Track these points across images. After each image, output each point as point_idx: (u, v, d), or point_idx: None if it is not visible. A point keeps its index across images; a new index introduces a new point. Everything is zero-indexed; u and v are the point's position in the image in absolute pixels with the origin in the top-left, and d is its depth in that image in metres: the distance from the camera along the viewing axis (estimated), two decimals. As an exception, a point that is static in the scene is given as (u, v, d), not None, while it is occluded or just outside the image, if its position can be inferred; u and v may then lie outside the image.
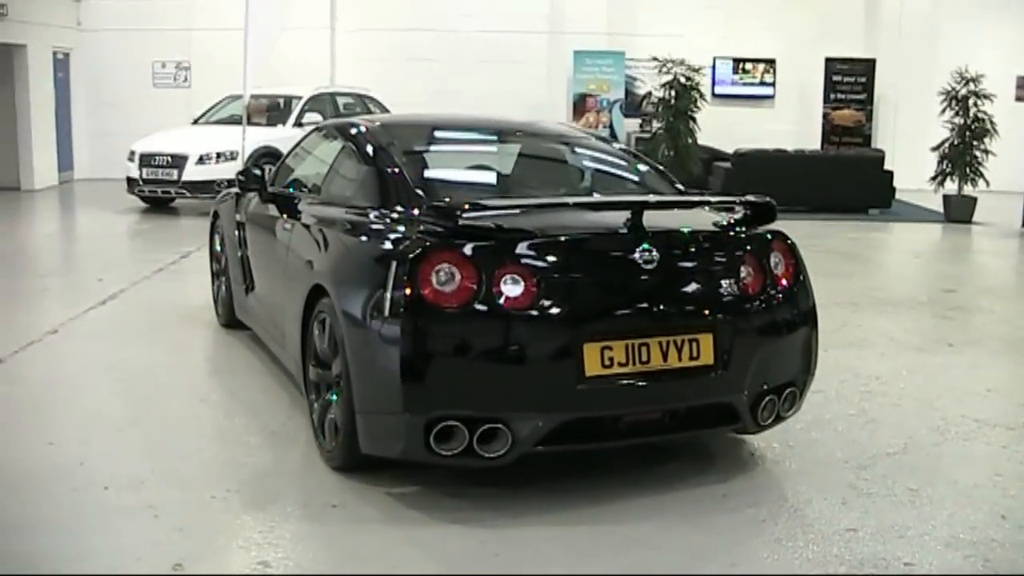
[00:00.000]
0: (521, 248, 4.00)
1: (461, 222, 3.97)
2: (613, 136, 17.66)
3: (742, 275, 4.31)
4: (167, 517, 4.06)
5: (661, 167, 5.30)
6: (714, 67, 17.85)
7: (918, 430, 5.23)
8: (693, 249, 4.33)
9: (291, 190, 5.81)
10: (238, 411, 5.45)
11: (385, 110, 16.57)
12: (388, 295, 3.94)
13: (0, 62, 15.68)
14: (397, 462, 4.26)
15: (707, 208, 4.73)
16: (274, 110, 15.28)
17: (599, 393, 3.98)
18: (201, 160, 13.49)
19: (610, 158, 5.40)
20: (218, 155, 13.57)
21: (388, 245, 4.17)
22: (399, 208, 4.46)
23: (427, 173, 4.89)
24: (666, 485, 4.43)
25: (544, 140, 5.53)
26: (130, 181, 13.80)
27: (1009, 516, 4.17)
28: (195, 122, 15.09)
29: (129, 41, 17.93)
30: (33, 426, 5.17)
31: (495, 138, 5.55)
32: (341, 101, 16.22)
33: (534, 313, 3.92)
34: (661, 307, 4.11)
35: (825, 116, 17.82)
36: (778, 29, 17.91)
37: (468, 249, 3.95)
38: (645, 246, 4.07)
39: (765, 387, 4.33)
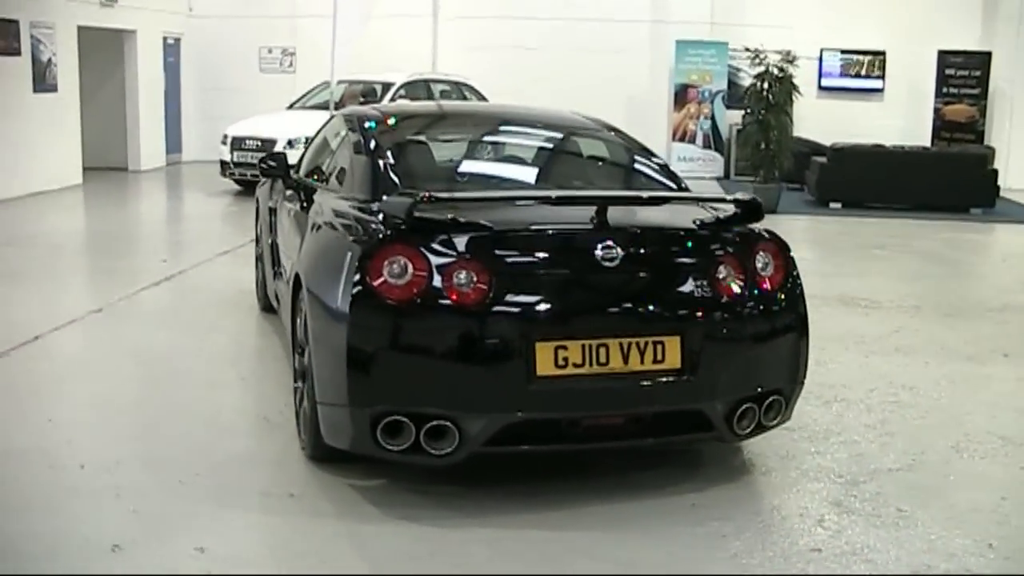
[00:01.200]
0: (475, 242, 3.89)
1: (417, 214, 3.89)
2: (715, 127, 17.30)
3: (720, 276, 4.09)
4: (127, 499, 4.11)
5: (664, 164, 5.07)
6: (821, 59, 17.25)
7: (934, 446, 4.92)
8: (662, 248, 4.15)
9: (312, 178, 5.82)
10: (242, 397, 5.50)
11: (482, 98, 16.57)
12: (341, 286, 3.90)
13: (111, 47, 16.22)
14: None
15: (700, 205, 4.51)
16: (369, 96, 15.40)
17: (552, 394, 3.84)
18: (290, 144, 13.69)
19: (611, 152, 5.23)
20: (306, 139, 13.73)
21: (350, 237, 4.12)
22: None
23: (413, 164, 4.82)
24: (638, 492, 4.27)
25: (547, 132, 5.38)
26: (223, 164, 14.15)
27: (998, 545, 3.87)
28: (290, 107, 15.36)
29: (237, 27, 18.33)
30: (41, 403, 5.32)
31: (495, 129, 5.43)
32: (437, 88, 16.28)
33: (485, 309, 3.81)
34: (623, 307, 3.95)
35: (936, 111, 17.01)
36: (888, 20, 17.16)
37: (421, 242, 3.86)
38: (607, 243, 3.91)
39: (743, 395, 4.12)
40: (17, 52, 13.22)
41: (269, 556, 3.71)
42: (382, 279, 3.82)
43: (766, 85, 12.89)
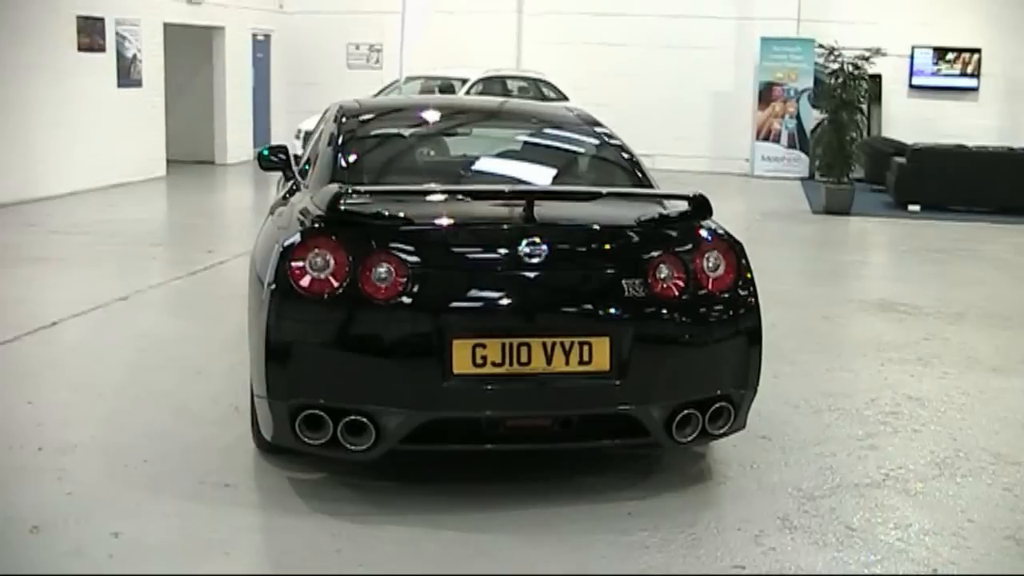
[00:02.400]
0: (394, 236, 3.82)
1: (341, 207, 3.84)
2: (800, 127, 16.82)
3: (660, 275, 3.92)
4: (67, 482, 4.18)
5: (634, 160, 4.89)
6: (912, 56, 16.58)
7: (917, 461, 4.65)
8: (593, 245, 4.00)
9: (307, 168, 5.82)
10: (223, 386, 5.52)
11: (562, 95, 16.47)
12: (266, 278, 3.88)
13: (200, 43, 16.63)
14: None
15: (650, 202, 4.34)
16: (446, 91, 15.44)
17: (468, 392, 3.75)
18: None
19: (583, 150, 5.08)
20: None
21: (280, 229, 4.10)
22: None
23: (375, 158, 4.79)
24: (578, 497, 4.14)
25: (523, 128, 5.27)
26: (295, 158, 14.30)
27: (943, 572, 3.62)
28: (366, 103, 15.47)
29: (327, 23, 18.62)
30: (29, 386, 5.47)
31: (470, 124, 5.35)
32: (514, 84, 16.25)
33: (401, 304, 3.74)
34: (546, 306, 3.83)
35: (1036, 111, 16.22)
36: (984, 16, 16.39)
37: (341, 236, 3.81)
38: (532, 239, 3.79)
39: (683, 401, 3.94)
40: (102, 48, 13.66)
41: (176, 544, 3.71)
42: (302, 272, 3.78)
43: (839, 82, 12.42)
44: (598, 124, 5.18)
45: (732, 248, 4.11)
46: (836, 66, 12.50)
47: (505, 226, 3.90)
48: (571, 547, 3.72)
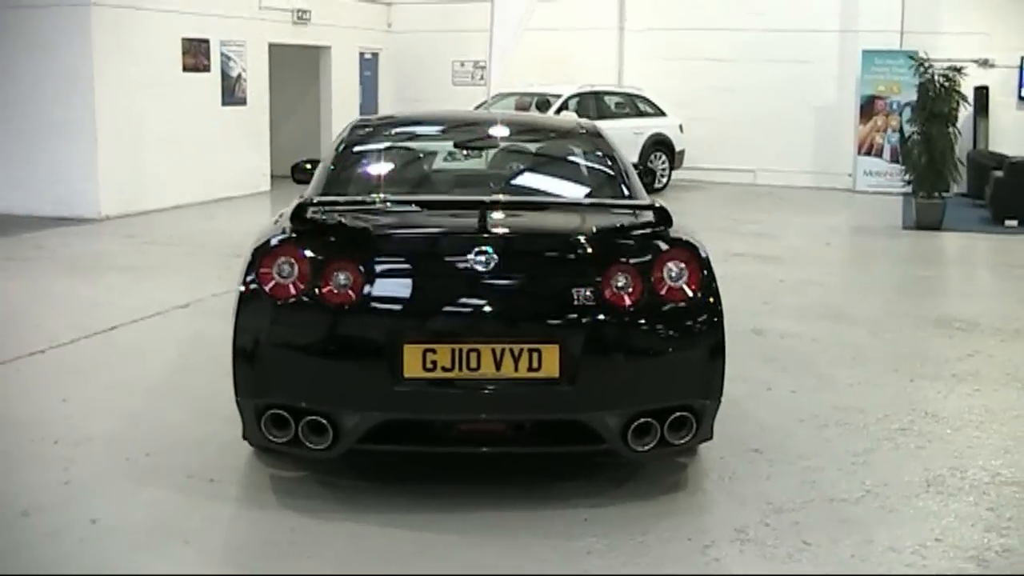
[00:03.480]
0: (353, 245, 4.00)
1: (308, 215, 4.04)
2: (903, 140, 16.32)
3: (615, 284, 3.96)
4: (70, 471, 4.50)
5: (624, 173, 4.93)
6: (1022, 68, 15.93)
7: (905, 478, 4.55)
8: (545, 254, 4.08)
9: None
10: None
11: (659, 110, 16.48)
12: (240, 283, 4.09)
13: (307, 62, 17.24)
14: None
15: (613, 212, 4.38)
16: (543, 107, 15.63)
17: (418, 396, 3.88)
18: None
19: (573, 160, 5.15)
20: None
21: (258, 239, 4.31)
22: None
23: (357, 169, 4.98)
24: (539, 502, 4.19)
25: (518, 141, 5.38)
26: (389, 173, 14.70)
27: (886, 587, 3.58)
28: (461, 119, 15.76)
29: (433, 41, 19.05)
30: (70, 384, 5.82)
31: (464, 136, 5.50)
32: (611, 100, 16.31)
33: (356, 310, 3.91)
34: (496, 313, 3.93)
35: None
36: (1103, 23, 15.69)
37: (305, 244, 4.01)
38: (482, 248, 3.90)
39: (639, 410, 3.98)
40: (207, 68, 14.31)
41: (143, 531, 3.94)
42: (268, 277, 3.99)
43: (929, 95, 12.08)
44: (599, 136, 5.24)
45: (695, 258, 4.11)
46: (926, 78, 12.14)
47: (457, 235, 4.03)
48: (512, 549, 3.80)
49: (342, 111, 17.77)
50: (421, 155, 5.39)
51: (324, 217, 4.08)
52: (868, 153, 16.61)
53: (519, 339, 3.87)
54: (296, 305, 3.94)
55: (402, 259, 4.04)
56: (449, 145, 5.51)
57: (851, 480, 4.52)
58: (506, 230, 4.07)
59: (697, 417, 4.09)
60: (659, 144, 15.97)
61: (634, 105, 16.39)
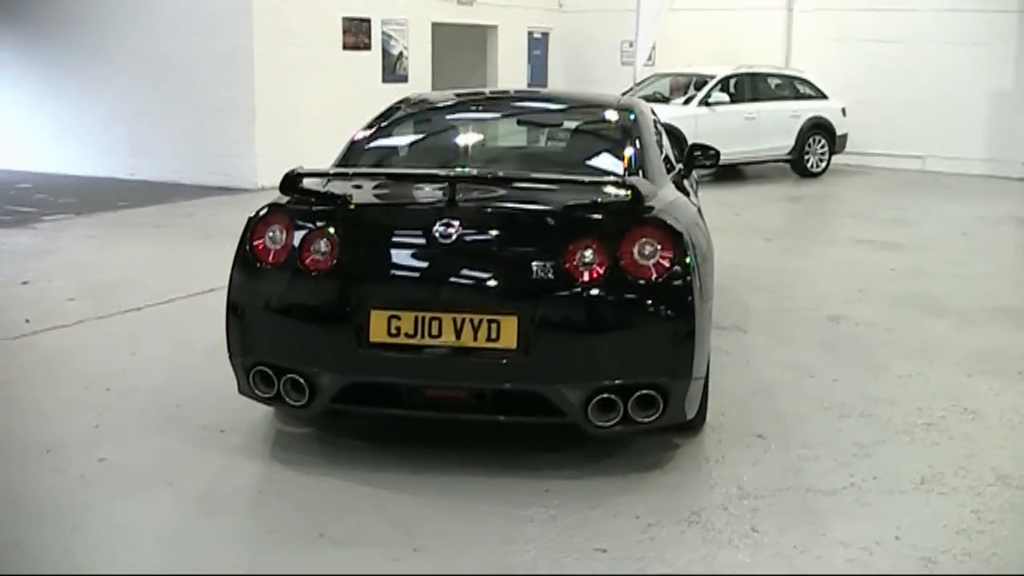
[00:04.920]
0: (332, 215, 4.24)
1: (300, 187, 4.31)
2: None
3: (579, 259, 4.01)
4: (104, 416, 4.96)
5: (644, 153, 4.94)
6: None
7: (900, 473, 4.39)
8: (509, 228, 4.17)
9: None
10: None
11: (819, 93, 15.97)
12: (237, 249, 4.41)
13: (474, 41, 17.65)
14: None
15: (590, 188, 4.42)
16: (698, 87, 15.45)
17: (381, 360, 4.07)
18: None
19: (592, 138, 5.21)
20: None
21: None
22: None
23: (376, 144, 5.21)
24: (510, 471, 4.30)
25: (540, 119, 5.47)
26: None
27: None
28: (617, 98, 15.79)
29: (603, 21, 19.11)
30: (144, 342, 6.29)
31: (499, 115, 5.62)
32: (770, 81, 15.93)
33: (331, 275, 4.15)
34: (456, 283, 4.08)
35: None
36: None
37: (292, 212, 4.28)
38: (446, 221, 4.05)
39: (599, 385, 4.03)
40: (367, 47, 14.92)
41: (139, 471, 4.31)
42: (260, 244, 4.29)
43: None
44: (630, 114, 5.26)
45: (669, 237, 4.11)
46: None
47: (425, 208, 4.20)
48: (457, 513, 3.94)
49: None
50: (446, 131, 5.60)
51: (311, 187, 4.34)
52: (1049, 139, 15.58)
53: (479, 309, 4.01)
54: (280, 269, 4.22)
55: (374, 229, 4.26)
56: (468, 120, 5.68)
57: (839, 472, 4.41)
58: (471, 204, 4.21)
59: (664, 396, 4.10)
60: (818, 127, 15.48)
61: (793, 87, 15.94)
